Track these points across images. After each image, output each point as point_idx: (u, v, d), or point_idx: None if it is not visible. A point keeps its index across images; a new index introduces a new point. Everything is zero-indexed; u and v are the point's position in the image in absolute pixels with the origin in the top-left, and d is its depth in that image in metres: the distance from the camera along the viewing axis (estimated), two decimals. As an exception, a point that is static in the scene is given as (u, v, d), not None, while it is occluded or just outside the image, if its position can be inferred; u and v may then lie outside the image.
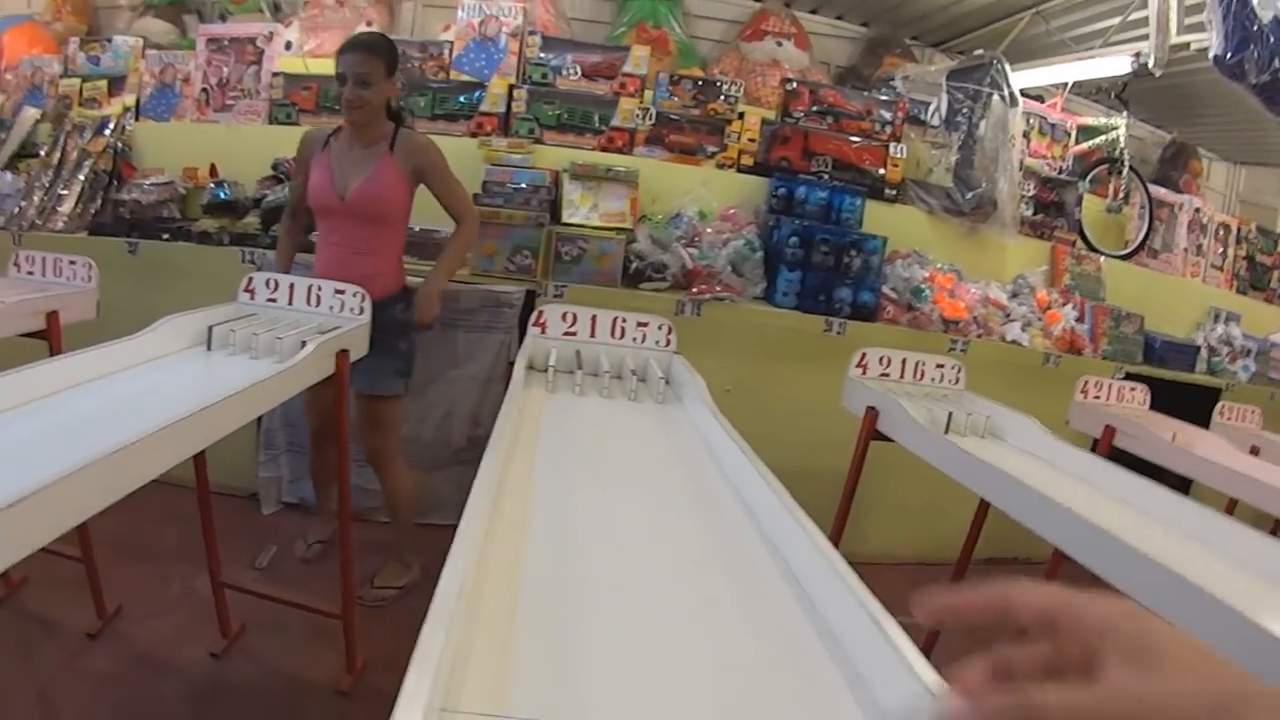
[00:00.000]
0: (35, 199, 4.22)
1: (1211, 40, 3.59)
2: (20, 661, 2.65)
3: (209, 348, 2.33)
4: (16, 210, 4.22)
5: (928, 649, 0.93)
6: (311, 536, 3.52)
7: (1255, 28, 3.42)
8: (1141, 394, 3.47)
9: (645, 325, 2.51)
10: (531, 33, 4.39)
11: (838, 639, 1.02)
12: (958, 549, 3.19)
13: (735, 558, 1.27)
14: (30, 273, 2.98)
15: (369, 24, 5.11)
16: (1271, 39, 3.43)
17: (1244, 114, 6.07)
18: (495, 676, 0.87)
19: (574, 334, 2.50)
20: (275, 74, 4.33)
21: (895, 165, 4.38)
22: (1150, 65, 4.08)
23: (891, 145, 4.38)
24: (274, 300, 2.69)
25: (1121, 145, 5.33)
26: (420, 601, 3.01)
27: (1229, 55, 3.47)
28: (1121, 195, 5.29)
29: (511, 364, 3.42)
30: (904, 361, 2.91)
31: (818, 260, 3.84)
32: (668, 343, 2.50)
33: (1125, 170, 5.30)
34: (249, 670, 2.78)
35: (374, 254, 3.04)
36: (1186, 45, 4.36)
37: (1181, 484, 2.25)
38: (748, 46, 5.48)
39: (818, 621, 1.08)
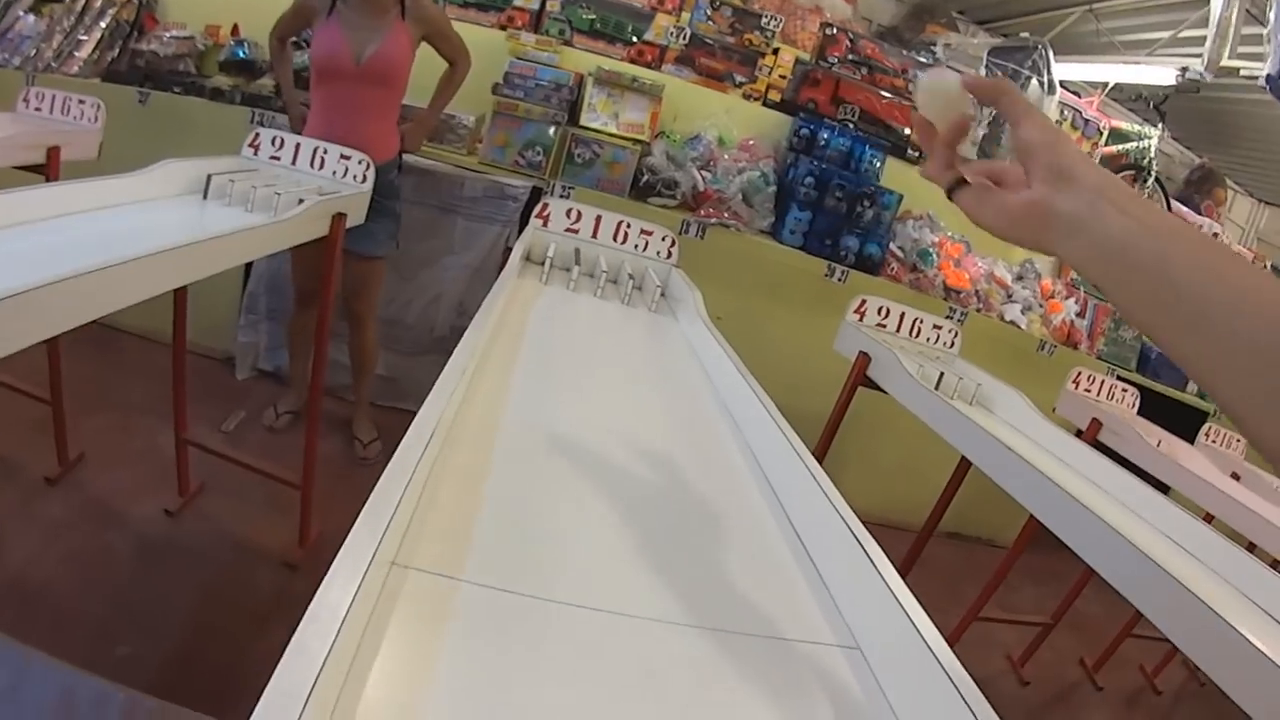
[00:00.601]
0: (54, 42, 4.16)
1: (1269, 61, 3.52)
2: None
3: (205, 196, 2.27)
4: (34, 52, 4.16)
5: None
6: (282, 406, 3.49)
7: None
8: (1131, 397, 3.45)
9: (649, 234, 2.45)
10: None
11: (810, 553, 1.03)
12: (923, 516, 3.16)
13: (716, 464, 1.26)
14: (38, 109, 2.92)
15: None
16: None
17: (1276, 151, 6.03)
18: (454, 542, 0.83)
19: (576, 231, 2.44)
20: None
21: (923, 128, 4.31)
22: (1201, 70, 4.01)
23: (923, 107, 4.31)
24: (277, 158, 2.64)
25: (1151, 155, 5.28)
26: (377, 478, 2.96)
27: None
28: (1143, 203, 5.24)
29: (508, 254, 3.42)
30: (902, 316, 2.86)
31: (830, 204, 3.78)
32: (669, 255, 2.46)
33: (1151, 180, 5.25)
34: (201, 531, 2.75)
35: (379, 118, 3.06)
36: (1236, 71, 4.31)
37: (1158, 490, 2.24)
38: None
39: (788, 531, 1.09)
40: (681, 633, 0.80)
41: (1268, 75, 3.54)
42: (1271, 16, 3.51)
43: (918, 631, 0.77)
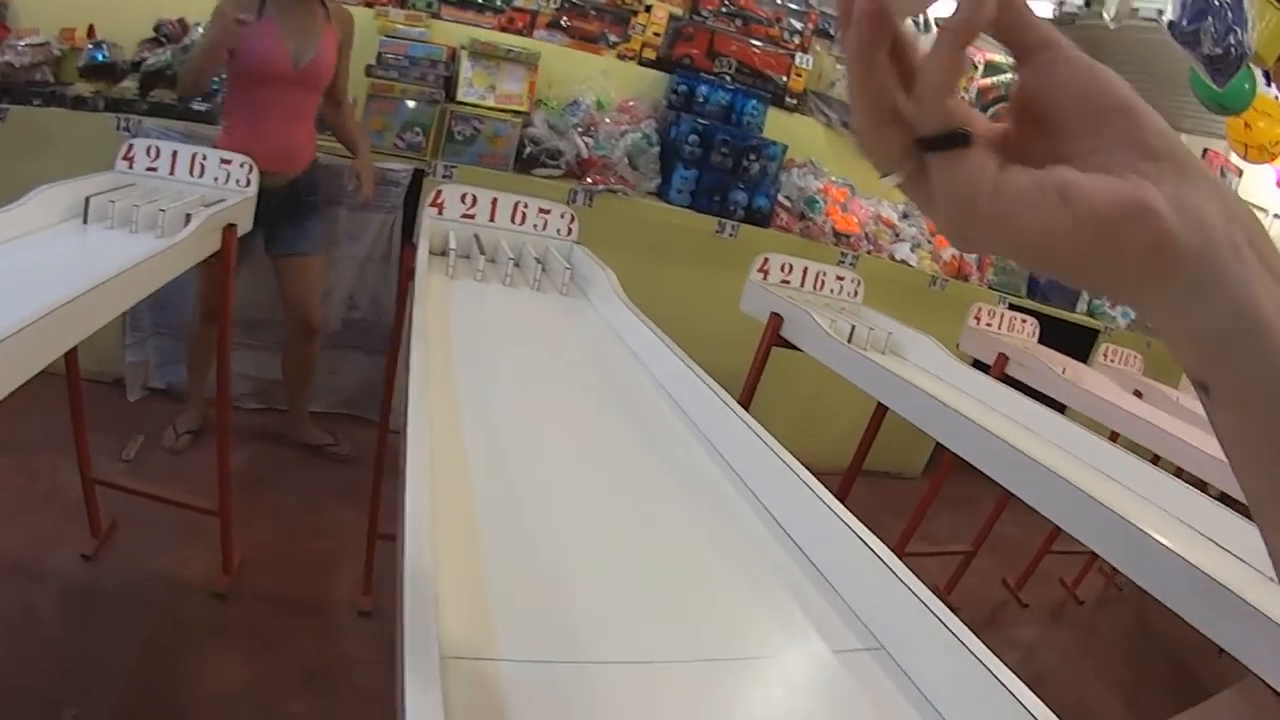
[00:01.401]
0: None
1: (1169, 6, 3.61)
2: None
3: (85, 220, 2.18)
4: None
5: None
6: (181, 426, 3.38)
7: (1216, 2, 3.48)
8: (1031, 327, 3.58)
9: (547, 212, 2.45)
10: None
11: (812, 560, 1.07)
12: (835, 456, 3.25)
13: (672, 456, 1.31)
14: None
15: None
16: (1229, 13, 3.49)
17: (1148, 74, 6.18)
18: (477, 618, 0.82)
19: (472, 216, 2.41)
20: None
21: (799, 75, 4.36)
22: (1079, 2, 4.06)
23: (798, 55, 4.36)
24: (154, 169, 2.53)
25: (1024, 84, 5.37)
26: (292, 495, 2.91)
27: (1186, 23, 3.51)
28: (1019, 132, 5.36)
29: (403, 244, 3.37)
30: (805, 270, 2.91)
31: (716, 161, 3.81)
32: (569, 231, 2.46)
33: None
34: (123, 572, 2.66)
35: (309, 121, 3.07)
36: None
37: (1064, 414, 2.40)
38: None
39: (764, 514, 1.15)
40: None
41: (1170, 22, 3.62)
42: None
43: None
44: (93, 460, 2.69)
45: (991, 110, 5.25)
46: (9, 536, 2.69)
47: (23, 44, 3.76)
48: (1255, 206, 7.05)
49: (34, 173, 3.22)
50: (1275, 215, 7.12)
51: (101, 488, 2.72)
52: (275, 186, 2.95)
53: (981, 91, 5.47)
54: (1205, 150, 6.94)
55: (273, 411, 3.66)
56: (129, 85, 3.62)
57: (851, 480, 3.14)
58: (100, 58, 3.66)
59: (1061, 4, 4.76)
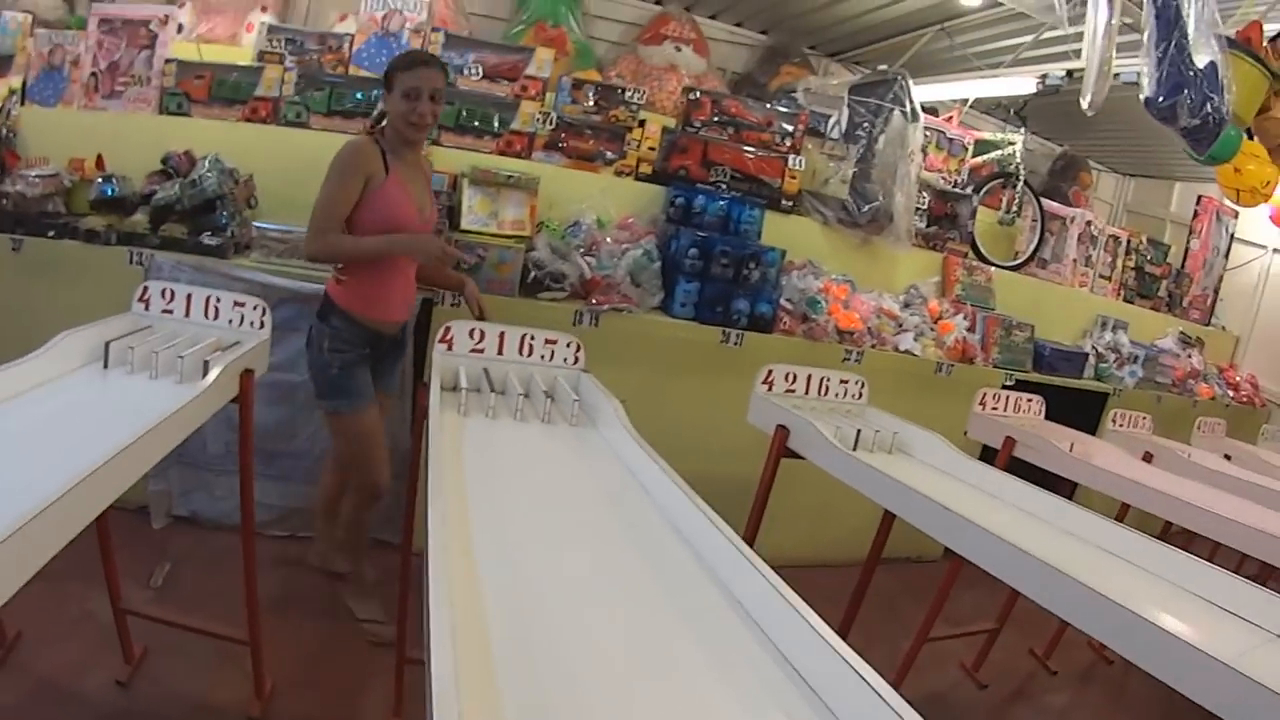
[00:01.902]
0: None
1: (1144, 84, 3.68)
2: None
3: (106, 365, 2.25)
4: None
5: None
6: (315, 560, 3.37)
7: (1191, 74, 3.55)
8: (1037, 405, 3.62)
9: (554, 343, 2.52)
10: (434, 30, 4.33)
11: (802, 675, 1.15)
12: (851, 550, 3.36)
13: (676, 586, 1.39)
14: None
15: (263, 9, 5.01)
16: (1204, 84, 3.56)
17: (1134, 130, 6.27)
18: None
19: (481, 350, 2.50)
20: (168, 60, 4.17)
21: (793, 177, 4.45)
22: (1086, 106, 4.13)
23: (790, 157, 4.43)
24: (170, 311, 2.59)
25: (1017, 160, 5.47)
26: (319, 618, 2.93)
27: (1162, 99, 3.59)
28: (1015, 208, 5.44)
29: (415, 378, 3.47)
30: (809, 378, 2.97)
31: (716, 272, 3.88)
32: (576, 360, 2.52)
33: (1020, 185, 5.44)
34: (156, 697, 2.70)
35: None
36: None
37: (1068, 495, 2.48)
38: (646, 50, 5.50)
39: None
40: None
41: (1146, 99, 3.69)
42: (1146, 39, 3.66)
43: None
44: (121, 587, 2.74)
45: (986, 187, 5.34)
46: (43, 662, 2.74)
47: (34, 174, 3.85)
48: (1253, 244, 7.16)
49: (51, 303, 3.32)
50: (1275, 250, 7.20)
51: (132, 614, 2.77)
52: (391, 334, 3.00)
53: (973, 170, 5.56)
54: (1199, 197, 7.04)
55: (295, 539, 3.72)
56: (140, 219, 3.69)
57: (871, 570, 3.19)
58: (110, 192, 3.75)
59: (1044, 78, 4.86)
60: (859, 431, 2.64)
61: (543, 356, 2.51)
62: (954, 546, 2.05)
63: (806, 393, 2.97)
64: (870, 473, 2.36)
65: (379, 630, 3.16)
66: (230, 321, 2.57)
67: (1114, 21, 3.83)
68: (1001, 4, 4.81)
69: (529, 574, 1.35)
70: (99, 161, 3.93)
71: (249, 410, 2.41)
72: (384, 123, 2.90)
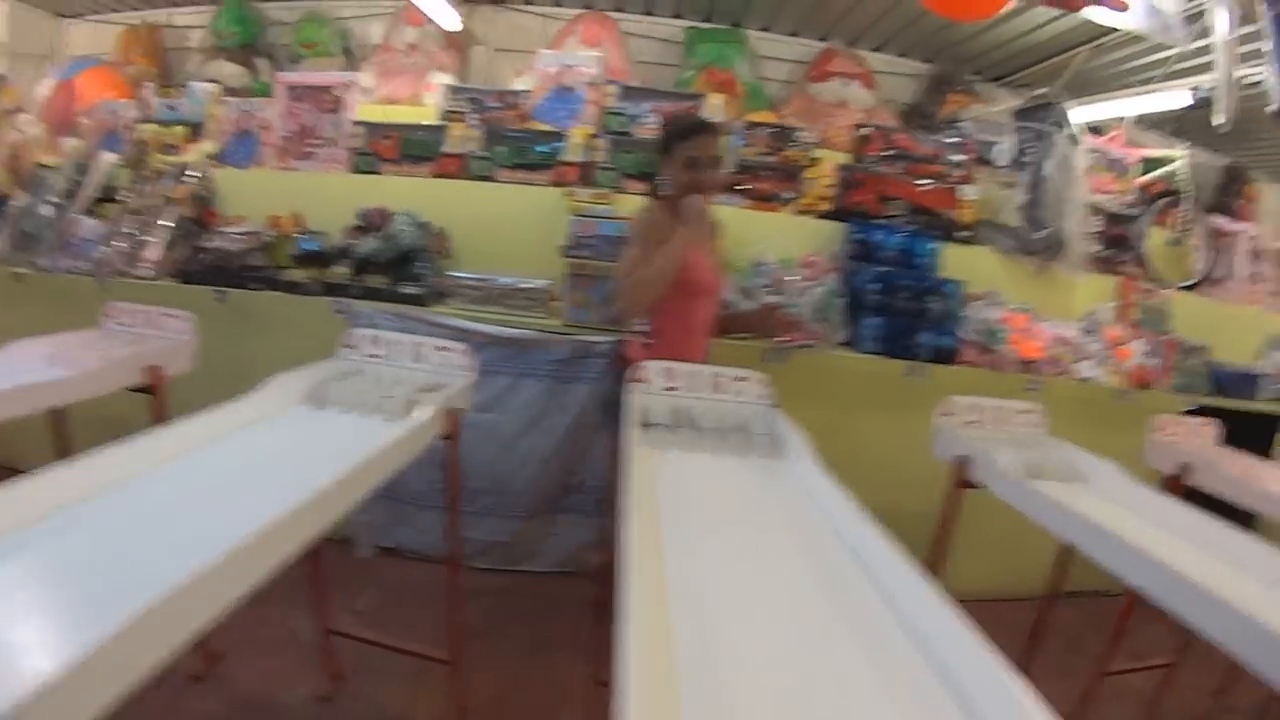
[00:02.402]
0: (121, 245, 4.30)
1: (1272, 94, 3.60)
2: (125, 706, 2.70)
3: (317, 405, 2.38)
4: (101, 256, 4.29)
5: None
6: None
7: None
8: (1213, 430, 3.51)
9: (744, 380, 2.57)
10: (609, 82, 4.45)
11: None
12: (1036, 583, 3.29)
13: (863, 624, 1.39)
14: (124, 325, 3.08)
15: (441, 69, 5.20)
16: None
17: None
18: None
19: (674, 389, 2.56)
20: (356, 122, 4.39)
21: (966, 207, 4.42)
22: (1221, 121, 4.05)
23: (963, 187, 4.42)
24: (376, 355, 2.74)
25: (1183, 176, 5.35)
26: (516, 645, 3.01)
27: None
28: (1183, 226, 5.32)
29: (606, 414, 3.51)
30: (989, 408, 2.96)
31: (899, 306, 3.89)
32: (766, 397, 2.55)
33: (1186, 201, 5.32)
34: (358, 713, 2.85)
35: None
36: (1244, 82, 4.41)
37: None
38: (815, 87, 5.53)
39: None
40: None
41: (1274, 111, 3.61)
42: (1270, 48, 3.60)
43: None
44: (326, 610, 2.91)
45: (1155, 206, 5.22)
46: (248, 677, 2.92)
47: (235, 232, 4.08)
48: None
49: (256, 350, 3.49)
50: None
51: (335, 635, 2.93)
52: None
53: (1142, 189, 5.45)
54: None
55: (494, 572, 3.84)
56: (341, 271, 3.89)
57: (1051, 603, 3.19)
58: (310, 247, 3.95)
59: (1195, 89, 4.77)
60: (1036, 461, 2.60)
61: (734, 394, 2.56)
62: (1128, 579, 2.01)
63: (987, 424, 2.96)
64: (1046, 503, 2.35)
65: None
66: (435, 365, 2.69)
67: (1234, 33, 3.75)
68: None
69: (717, 599, 1.40)
70: (296, 218, 4.15)
71: (457, 447, 2.53)
72: (664, 187, 2.98)
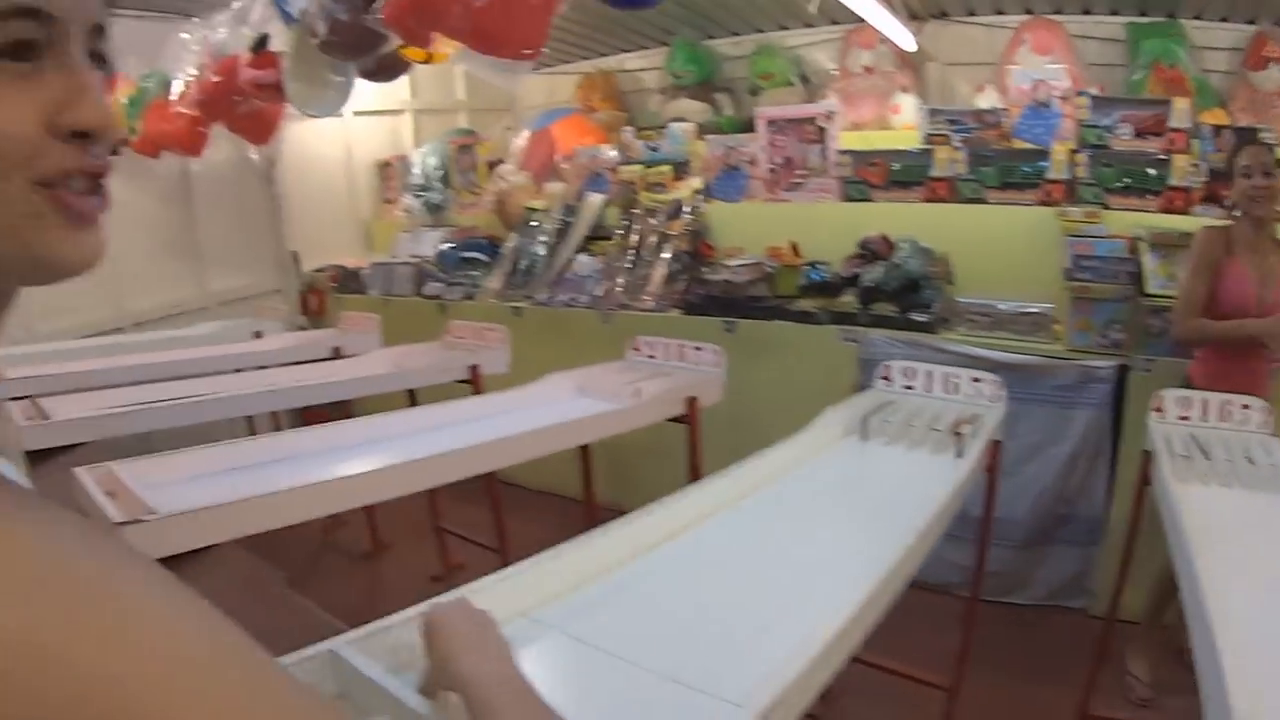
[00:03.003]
0: (619, 280, 4.78)
1: None
2: None
3: (863, 437, 2.55)
4: (601, 292, 4.81)
5: None
6: (1139, 671, 3.24)
7: None
8: None
9: (1247, 408, 2.57)
10: (1079, 94, 4.49)
11: None
12: None
13: None
14: (651, 356, 3.43)
15: (902, 89, 5.44)
16: None
17: None
18: None
19: (1187, 418, 2.58)
20: (842, 151, 4.60)
21: None
22: None
23: None
24: (911, 387, 2.90)
25: None
26: (1009, 676, 3.33)
27: None
28: None
29: (1114, 443, 3.60)
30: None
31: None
32: (1266, 426, 2.52)
33: None
34: None
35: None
36: None
37: None
38: (1255, 76, 5.28)
39: None
40: None
41: None
42: None
43: None
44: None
45: None
46: None
47: (736, 263, 4.40)
48: None
49: (763, 378, 3.84)
50: None
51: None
52: None
53: None
54: None
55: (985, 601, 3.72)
56: (848, 300, 4.09)
57: None
58: (818, 277, 4.20)
59: None
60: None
61: (1234, 422, 2.56)
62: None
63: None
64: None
65: (1136, 687, 3.17)
66: (968, 395, 2.79)
67: None
68: None
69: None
70: (795, 248, 4.42)
71: (996, 480, 2.63)
72: (1234, 208, 3.05)
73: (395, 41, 3.07)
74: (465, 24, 2.57)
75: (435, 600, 1.05)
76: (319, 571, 4.49)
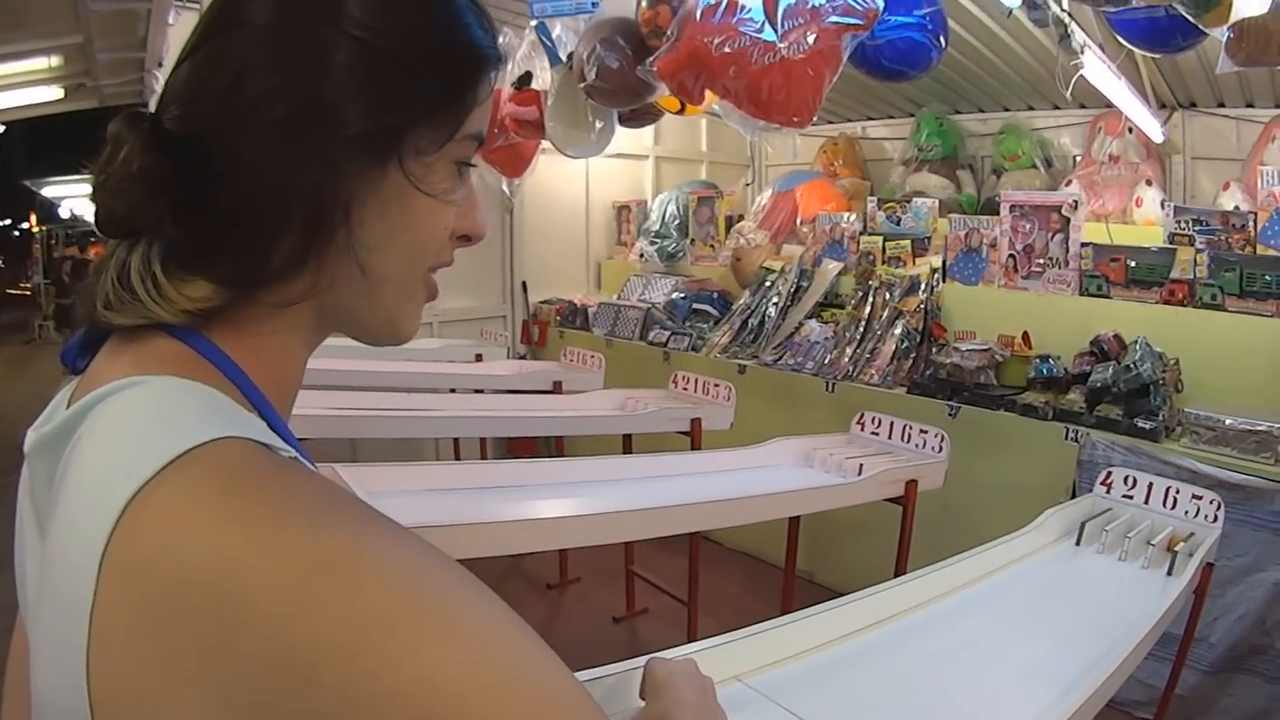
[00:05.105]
0: (847, 351, 4.90)
1: None
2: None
3: (1078, 542, 2.59)
4: (828, 360, 4.94)
5: None
6: None
7: None
8: None
9: None
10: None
11: None
12: None
13: None
14: (875, 433, 3.51)
15: (1147, 182, 5.34)
16: None
17: None
18: None
19: None
20: (1084, 244, 4.53)
21: None
22: None
23: None
24: (1129, 497, 2.83)
25: None
26: None
27: None
28: None
29: None
30: None
31: None
32: None
33: None
34: None
35: None
36: None
37: None
38: None
39: None
40: None
41: None
42: None
43: None
44: None
45: None
46: None
47: (967, 348, 4.42)
48: None
49: (979, 468, 3.80)
50: None
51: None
52: None
53: None
54: None
55: None
56: (1074, 398, 4.04)
57: None
58: (1047, 371, 4.18)
59: None
60: None
61: None
62: None
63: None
64: None
65: None
66: (1186, 513, 2.70)
67: None
68: None
69: None
70: (1027, 338, 4.42)
71: (1203, 603, 2.59)
72: None
73: (661, 91, 3.21)
74: (739, 84, 2.71)
75: (660, 654, 1.06)
76: (503, 598, 4.80)
